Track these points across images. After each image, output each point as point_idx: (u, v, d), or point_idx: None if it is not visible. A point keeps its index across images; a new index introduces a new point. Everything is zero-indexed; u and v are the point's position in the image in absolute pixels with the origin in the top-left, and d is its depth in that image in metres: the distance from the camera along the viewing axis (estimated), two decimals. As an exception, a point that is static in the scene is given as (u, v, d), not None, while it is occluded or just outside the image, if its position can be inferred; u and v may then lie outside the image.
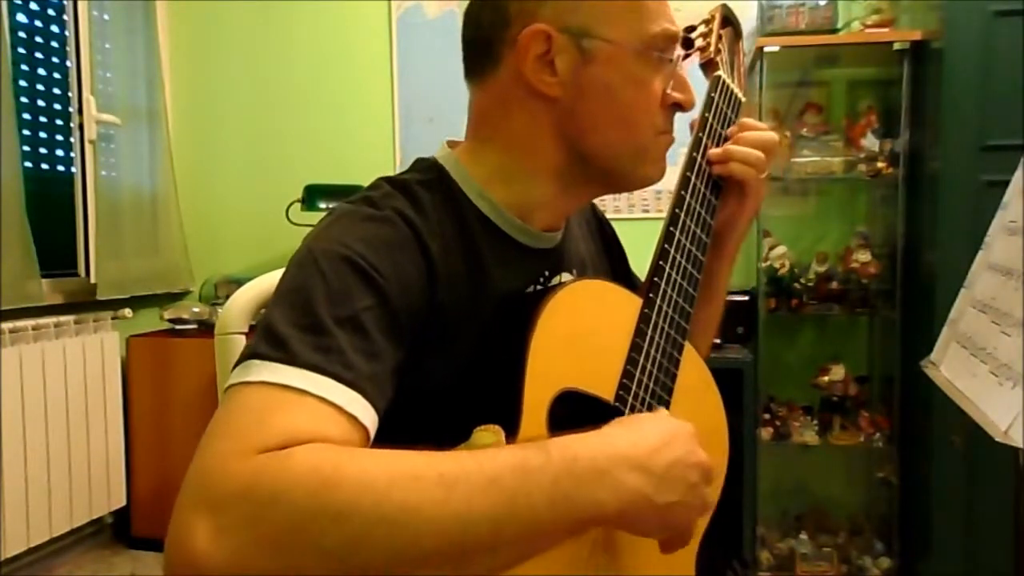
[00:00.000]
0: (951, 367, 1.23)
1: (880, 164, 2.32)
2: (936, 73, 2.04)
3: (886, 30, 2.32)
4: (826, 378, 2.43)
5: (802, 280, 2.40)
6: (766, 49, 2.26)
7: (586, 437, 0.58)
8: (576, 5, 0.71)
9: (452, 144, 0.81)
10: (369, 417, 0.58)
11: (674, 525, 0.62)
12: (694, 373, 0.81)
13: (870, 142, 2.37)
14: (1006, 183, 1.25)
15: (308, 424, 0.54)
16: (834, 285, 2.39)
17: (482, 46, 0.75)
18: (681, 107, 0.78)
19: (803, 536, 2.41)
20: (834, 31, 2.36)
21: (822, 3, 2.34)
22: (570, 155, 0.75)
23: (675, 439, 0.62)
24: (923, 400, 2.06)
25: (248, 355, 0.58)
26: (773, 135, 0.87)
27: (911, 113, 2.25)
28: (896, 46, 2.22)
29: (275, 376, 0.56)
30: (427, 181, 0.74)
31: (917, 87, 2.22)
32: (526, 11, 0.72)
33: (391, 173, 0.76)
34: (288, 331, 0.59)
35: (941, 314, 1.37)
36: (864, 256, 2.38)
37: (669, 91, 0.76)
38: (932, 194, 2.07)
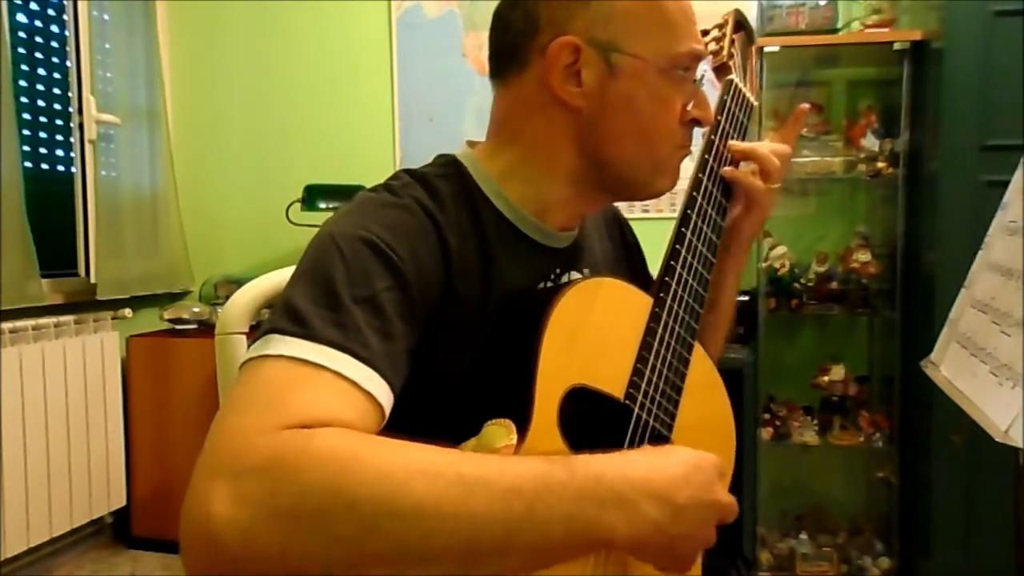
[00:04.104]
0: (951, 367, 1.23)
1: (880, 164, 2.32)
2: (936, 73, 2.04)
3: (886, 30, 2.32)
4: (826, 378, 2.43)
5: (802, 280, 2.40)
6: (766, 49, 2.26)
7: (611, 458, 0.58)
8: (607, 19, 0.72)
9: (472, 144, 0.82)
10: (384, 395, 0.59)
11: (677, 556, 0.61)
12: (702, 371, 0.81)
13: (870, 142, 2.37)
14: (1006, 183, 1.25)
15: (326, 401, 0.55)
16: (834, 285, 2.39)
17: (510, 50, 0.76)
18: (699, 123, 0.80)
19: (803, 536, 2.41)
20: (834, 31, 2.36)
21: (822, 3, 2.34)
22: (587, 162, 0.76)
23: (699, 473, 0.61)
24: (923, 400, 2.06)
25: (267, 329, 0.59)
26: (787, 148, 0.88)
27: (911, 113, 2.25)
28: (896, 46, 2.22)
29: (294, 350, 0.57)
30: (445, 175, 0.75)
31: (917, 87, 2.22)
32: (557, 21, 0.72)
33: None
34: (308, 307, 0.60)
35: (941, 314, 1.37)
36: (864, 256, 2.38)
37: (689, 108, 0.77)
38: (932, 194, 2.07)
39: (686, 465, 0.61)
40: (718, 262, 0.89)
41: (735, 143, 0.86)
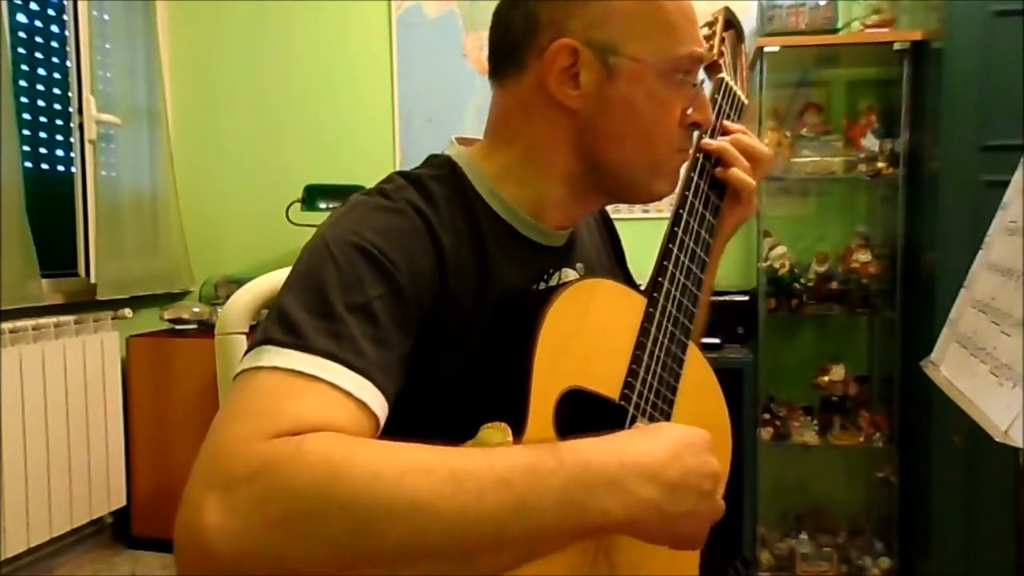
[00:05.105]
0: (951, 367, 1.23)
1: (880, 164, 2.32)
2: (936, 73, 2.04)
3: (886, 30, 2.32)
4: (826, 378, 2.43)
5: (802, 280, 2.40)
6: (766, 49, 2.27)
7: (600, 442, 0.58)
8: (606, 21, 0.72)
9: (463, 141, 0.81)
10: (379, 404, 0.59)
11: (683, 534, 0.62)
12: (697, 372, 0.81)
13: (870, 142, 2.37)
14: (1006, 183, 1.26)
15: (319, 410, 0.55)
16: (834, 285, 2.39)
17: (509, 50, 0.76)
18: (699, 126, 0.79)
19: (803, 536, 2.41)
20: (834, 31, 2.36)
21: (822, 3, 2.34)
22: (584, 164, 0.76)
23: (689, 448, 0.61)
24: (923, 400, 2.06)
25: (261, 340, 0.59)
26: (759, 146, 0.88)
27: (911, 113, 2.25)
28: (896, 46, 2.22)
29: (287, 362, 0.57)
30: (439, 176, 0.75)
31: (917, 87, 2.22)
32: (555, 22, 0.72)
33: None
34: (300, 317, 0.59)
35: (941, 314, 1.37)
36: (864, 256, 2.38)
37: (689, 111, 0.77)
38: (932, 194, 2.07)
39: (676, 442, 0.61)
40: None
41: (707, 142, 0.85)
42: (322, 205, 2.59)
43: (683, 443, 0.61)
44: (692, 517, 0.60)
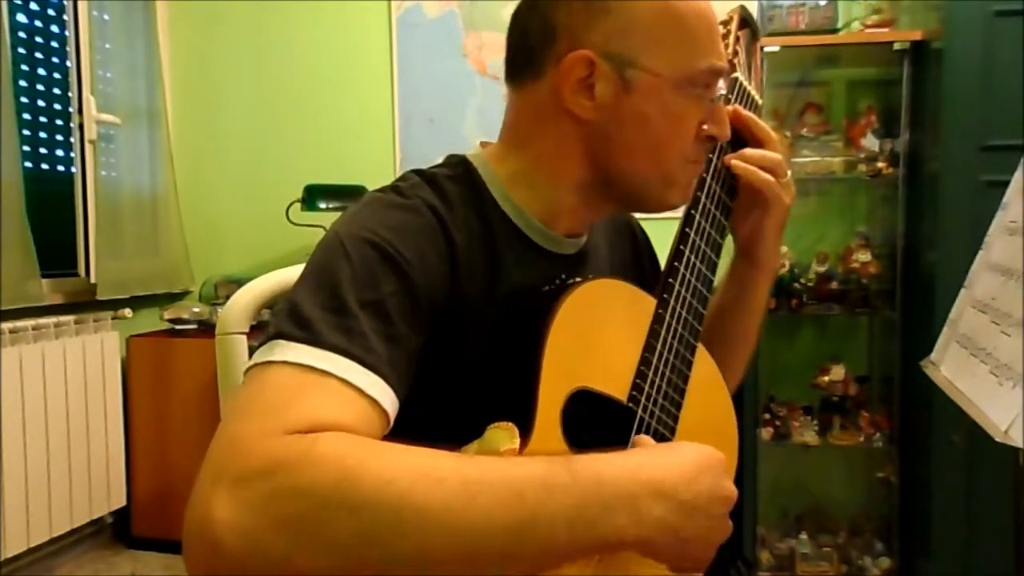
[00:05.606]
0: (951, 367, 1.23)
1: (880, 164, 2.32)
2: (936, 73, 2.04)
3: (886, 30, 2.32)
4: (826, 378, 2.43)
5: (802, 280, 2.40)
6: (766, 49, 2.26)
7: (615, 458, 0.58)
8: (626, 32, 0.71)
9: (486, 146, 0.81)
10: (389, 401, 0.59)
11: (692, 556, 0.61)
12: (704, 372, 0.81)
13: (870, 142, 2.37)
14: (1006, 183, 1.26)
15: (331, 407, 0.55)
16: (834, 285, 2.39)
17: (526, 55, 0.75)
18: (715, 140, 0.78)
19: (803, 536, 2.41)
20: (834, 31, 2.36)
21: (822, 3, 2.34)
22: (595, 174, 0.76)
23: (706, 469, 0.61)
24: (923, 400, 2.06)
25: (273, 334, 0.59)
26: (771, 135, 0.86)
27: (911, 113, 2.25)
28: (896, 46, 2.22)
29: (299, 356, 0.57)
30: (455, 176, 0.75)
31: (917, 87, 2.22)
32: (574, 31, 0.71)
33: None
34: (313, 312, 0.59)
35: (941, 314, 1.37)
36: (864, 256, 2.38)
37: (706, 126, 0.76)
38: (932, 194, 2.07)
39: (693, 462, 0.60)
40: (749, 266, 0.90)
41: (729, 158, 0.84)
42: (322, 205, 2.59)
43: (701, 464, 0.61)
44: (703, 541, 0.60)
